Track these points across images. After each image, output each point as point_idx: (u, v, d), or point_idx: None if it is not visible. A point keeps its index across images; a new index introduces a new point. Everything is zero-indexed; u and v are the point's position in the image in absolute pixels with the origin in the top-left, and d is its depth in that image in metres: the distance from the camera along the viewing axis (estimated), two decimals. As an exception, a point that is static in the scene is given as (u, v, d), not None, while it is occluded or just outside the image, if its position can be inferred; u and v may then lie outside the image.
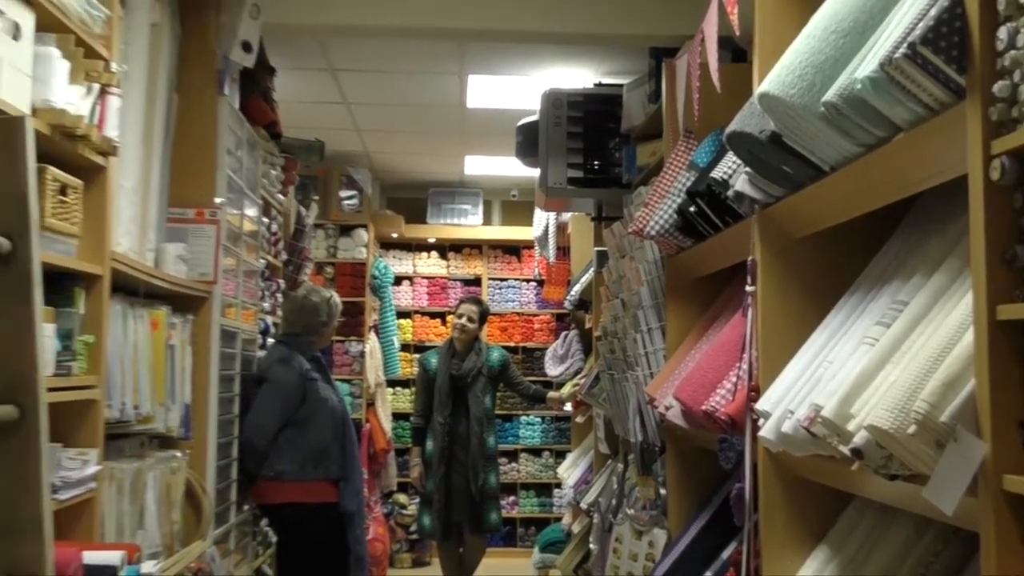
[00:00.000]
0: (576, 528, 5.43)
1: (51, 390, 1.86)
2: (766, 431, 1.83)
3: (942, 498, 1.27)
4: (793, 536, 2.00)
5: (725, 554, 2.60)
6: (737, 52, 3.34)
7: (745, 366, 2.09)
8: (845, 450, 1.48)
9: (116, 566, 2.13)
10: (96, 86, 2.35)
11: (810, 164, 1.77)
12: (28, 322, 1.60)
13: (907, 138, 1.44)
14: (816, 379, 1.72)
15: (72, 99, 2.24)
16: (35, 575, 1.58)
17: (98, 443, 2.44)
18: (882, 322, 1.61)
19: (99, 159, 2.45)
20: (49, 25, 2.18)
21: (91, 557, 2.08)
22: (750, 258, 2.11)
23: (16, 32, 2.02)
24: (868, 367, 1.51)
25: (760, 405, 1.91)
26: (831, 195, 1.81)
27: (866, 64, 1.40)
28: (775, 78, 1.65)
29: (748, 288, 2.10)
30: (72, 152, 2.31)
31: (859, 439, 1.42)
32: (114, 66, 2.47)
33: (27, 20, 2.07)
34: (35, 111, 2.12)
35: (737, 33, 2.28)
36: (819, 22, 1.65)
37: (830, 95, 1.50)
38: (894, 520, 1.75)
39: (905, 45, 1.29)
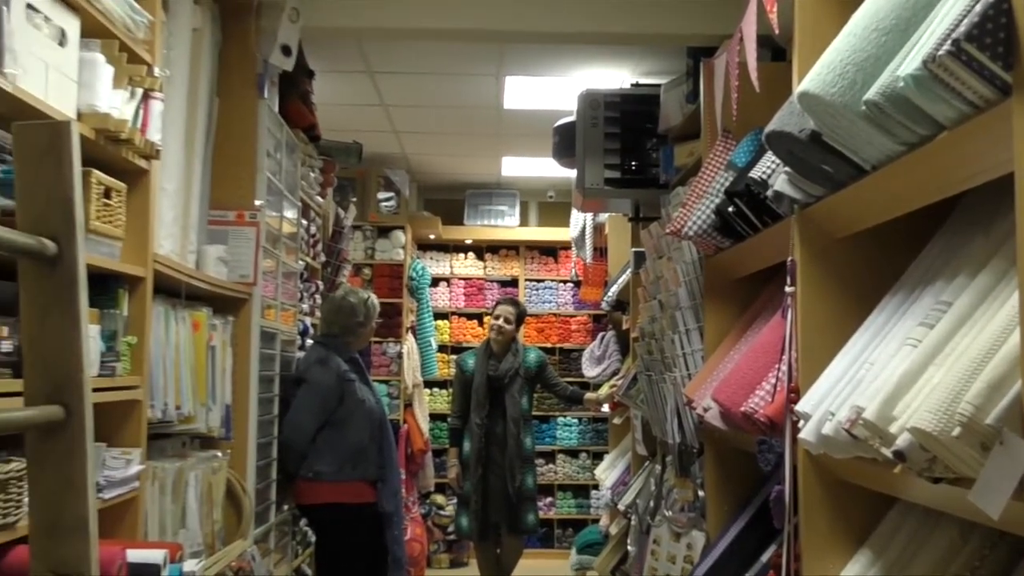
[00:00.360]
0: (614, 530, 5.41)
1: (96, 391, 1.89)
2: (806, 433, 1.81)
3: (988, 502, 1.25)
4: (834, 539, 1.98)
5: (765, 557, 2.58)
6: (776, 51, 3.32)
7: (785, 367, 2.07)
8: (887, 453, 1.46)
9: (159, 564, 2.16)
10: (139, 91, 2.39)
11: (851, 163, 1.75)
12: (74, 324, 1.62)
13: (951, 136, 1.42)
14: (857, 381, 1.70)
15: (116, 104, 2.27)
16: (80, 573, 1.60)
17: (141, 443, 2.48)
18: (925, 323, 1.59)
19: (142, 162, 2.48)
20: (94, 31, 2.22)
21: (135, 555, 2.11)
22: (789, 258, 2.09)
23: (62, 38, 2.06)
24: (911, 368, 1.49)
25: (800, 407, 1.89)
26: (872, 194, 1.79)
27: (909, 62, 1.38)
28: (815, 77, 1.63)
29: (788, 289, 2.08)
30: (116, 156, 2.35)
31: (902, 441, 1.40)
32: (156, 71, 2.51)
33: (73, 26, 2.11)
34: (80, 116, 2.16)
35: (776, 32, 2.26)
36: (860, 20, 1.63)
37: (872, 93, 1.48)
38: (938, 524, 1.73)
39: (949, 42, 1.27)
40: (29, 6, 1.92)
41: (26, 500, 1.78)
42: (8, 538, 1.82)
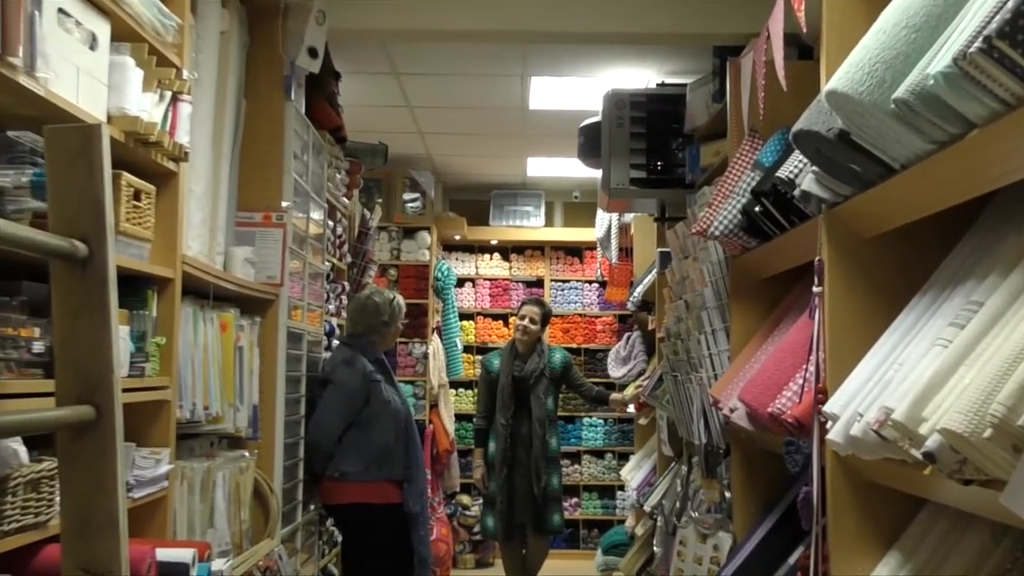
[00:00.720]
0: (639, 531, 5.40)
1: (125, 391, 1.90)
2: (834, 434, 1.80)
3: (1020, 504, 1.24)
4: (862, 541, 1.96)
5: (792, 558, 2.56)
6: (803, 49, 3.30)
7: (812, 368, 2.05)
8: (917, 454, 1.45)
9: (188, 563, 2.17)
10: (168, 93, 2.41)
11: (879, 162, 1.73)
12: (104, 324, 1.64)
13: (982, 134, 1.41)
14: (886, 381, 1.69)
15: (145, 106, 2.29)
16: (111, 571, 1.62)
17: (170, 443, 2.50)
18: (956, 323, 1.57)
19: (171, 165, 2.50)
20: (124, 35, 2.24)
21: (164, 554, 2.13)
22: (817, 258, 2.07)
23: (93, 42, 2.08)
24: (941, 369, 1.47)
25: (828, 407, 1.88)
26: (902, 193, 1.78)
27: (939, 59, 1.37)
28: (844, 75, 1.62)
29: (815, 289, 2.07)
30: (145, 158, 2.37)
31: (932, 443, 1.39)
32: (185, 74, 2.53)
33: (103, 30, 2.13)
34: (110, 119, 2.18)
35: (804, 30, 2.24)
36: (889, 17, 1.61)
37: (901, 91, 1.47)
38: (969, 526, 1.71)
39: (980, 39, 1.26)
40: (61, 10, 1.94)
41: (57, 499, 1.80)
42: (40, 537, 1.84)
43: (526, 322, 5.61)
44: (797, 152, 2.21)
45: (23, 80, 1.79)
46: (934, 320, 1.72)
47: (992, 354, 1.39)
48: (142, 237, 2.33)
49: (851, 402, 1.78)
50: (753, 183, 2.64)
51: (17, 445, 1.78)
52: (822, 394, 1.98)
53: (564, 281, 8.12)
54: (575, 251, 8.13)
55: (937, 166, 1.58)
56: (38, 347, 1.84)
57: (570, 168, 6.58)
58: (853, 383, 1.84)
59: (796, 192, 2.19)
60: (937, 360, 1.51)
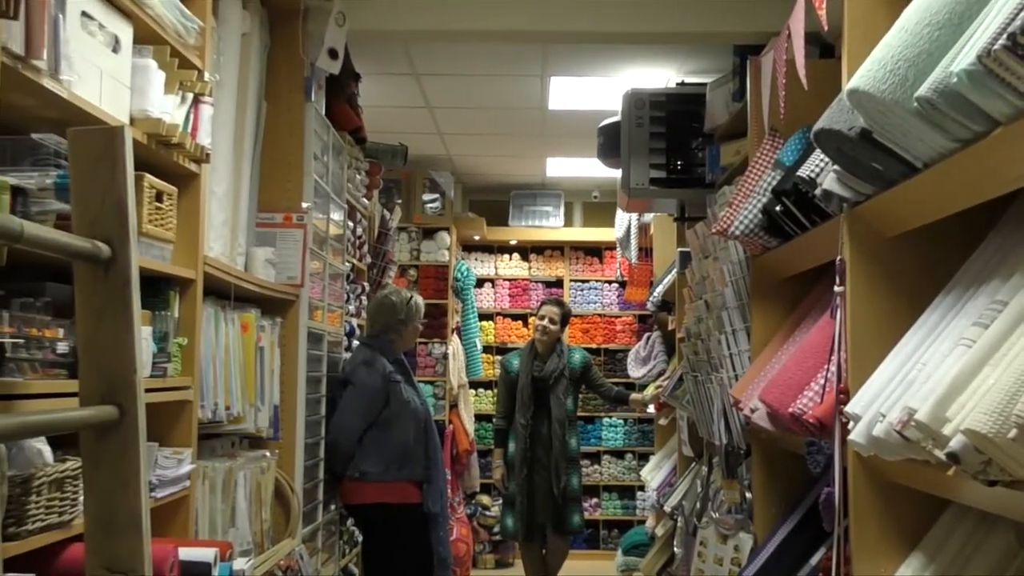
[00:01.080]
0: (660, 531, 5.38)
1: (148, 391, 1.92)
2: (856, 434, 1.79)
3: (1045, 505, 1.23)
4: (885, 542, 1.95)
5: (814, 560, 2.55)
6: (824, 48, 3.28)
7: (834, 368, 2.04)
8: (940, 455, 1.44)
9: (210, 563, 2.19)
10: (190, 95, 2.43)
11: (902, 161, 1.72)
12: (127, 325, 1.65)
13: (1006, 132, 1.39)
14: (909, 381, 1.68)
15: (167, 108, 2.31)
16: (134, 570, 1.63)
17: (192, 443, 2.51)
18: (980, 323, 1.56)
19: (192, 166, 2.52)
20: (146, 37, 2.26)
21: (186, 553, 2.14)
22: (839, 258, 2.06)
23: (116, 45, 2.10)
24: (965, 369, 1.46)
25: (850, 408, 1.86)
26: (924, 192, 1.76)
27: (963, 57, 1.36)
28: (866, 73, 1.61)
29: (837, 288, 2.05)
30: (167, 160, 2.39)
31: (955, 443, 1.38)
32: (207, 76, 2.54)
33: (126, 33, 2.14)
34: (133, 120, 2.19)
35: (825, 28, 2.23)
36: (912, 14, 1.60)
37: (924, 89, 1.46)
38: (993, 527, 1.69)
39: (1005, 36, 1.25)
40: (84, 13, 1.96)
41: (81, 499, 1.81)
42: (64, 536, 1.86)
43: (545, 322, 5.61)
44: (818, 151, 2.20)
45: (47, 83, 1.81)
46: (958, 320, 1.71)
47: (1017, 354, 1.38)
48: (164, 238, 2.34)
49: (873, 402, 1.77)
50: (774, 182, 2.63)
51: (42, 445, 1.80)
52: (844, 394, 1.97)
53: (584, 281, 8.11)
54: (595, 251, 8.12)
55: (961, 165, 1.57)
56: (62, 348, 1.86)
57: (590, 168, 6.58)
58: (875, 383, 1.83)
59: (817, 191, 2.18)
60: (961, 360, 1.50)
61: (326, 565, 3.86)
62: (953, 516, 1.85)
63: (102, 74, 2.03)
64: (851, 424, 1.85)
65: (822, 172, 2.22)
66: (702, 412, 3.68)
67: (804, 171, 2.33)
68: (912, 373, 1.69)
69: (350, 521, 4.26)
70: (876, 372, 1.87)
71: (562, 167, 7.26)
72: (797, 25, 2.35)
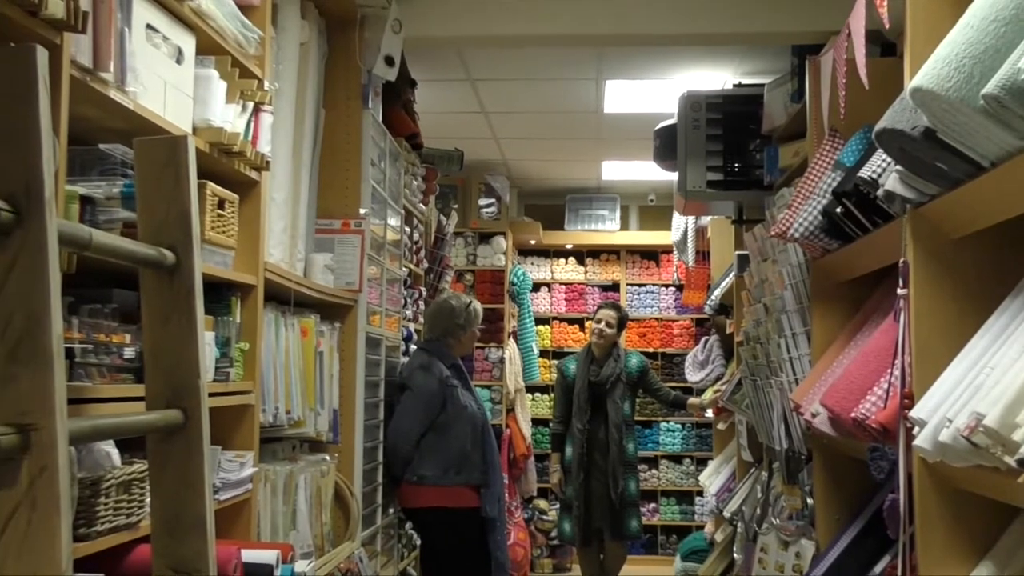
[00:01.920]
0: (719, 537, 5.33)
1: (211, 395, 1.95)
2: (922, 440, 1.75)
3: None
4: (952, 550, 1.91)
5: (878, 568, 2.50)
6: (885, 46, 3.22)
7: (897, 372, 2.01)
8: (1011, 461, 1.41)
9: (272, 565, 2.22)
10: (250, 104, 2.47)
11: (967, 160, 1.69)
12: (191, 331, 1.68)
13: (1076, 130, 1.36)
14: (976, 386, 1.64)
15: (229, 118, 2.35)
16: (199, 571, 1.66)
17: (254, 446, 2.55)
18: (1050, 326, 1.52)
19: (253, 174, 2.56)
20: (208, 48, 2.30)
21: (249, 555, 2.17)
22: (902, 260, 2.03)
23: (179, 56, 2.14)
24: (1035, 374, 1.43)
25: (915, 413, 1.83)
26: (991, 192, 1.73)
27: (1030, 53, 1.33)
28: (929, 71, 1.58)
29: (900, 291, 2.02)
30: (229, 168, 2.43)
31: (1026, 450, 1.35)
32: (267, 85, 2.58)
33: (189, 44, 2.19)
34: (195, 130, 2.24)
35: (886, 26, 2.20)
36: (977, 11, 1.57)
37: (991, 87, 1.42)
38: (1066, 536, 1.65)
39: (1073, 32, 1.22)
40: (149, 26, 2.00)
41: (148, 500, 1.85)
42: (131, 537, 1.89)
43: (602, 326, 5.58)
44: (880, 151, 2.17)
45: (113, 94, 1.85)
46: (1027, 323, 1.67)
47: (1090, 358, 1.35)
48: (226, 245, 2.38)
49: (939, 407, 1.73)
50: (834, 183, 2.60)
51: (110, 448, 1.84)
52: (908, 399, 1.94)
53: (640, 285, 8.07)
54: (651, 255, 8.08)
55: (1029, 163, 1.53)
56: (129, 353, 1.90)
57: (646, 171, 6.54)
58: (941, 388, 1.80)
59: (879, 192, 2.14)
60: (1031, 364, 1.46)
61: (385, 568, 3.89)
62: None
63: (166, 85, 2.07)
64: (916, 429, 1.81)
65: (884, 172, 2.18)
66: (762, 417, 3.63)
67: (865, 172, 2.30)
68: (980, 378, 1.66)
69: (408, 525, 4.29)
70: (942, 376, 1.83)
71: (618, 170, 7.23)
72: (857, 23, 2.32)
